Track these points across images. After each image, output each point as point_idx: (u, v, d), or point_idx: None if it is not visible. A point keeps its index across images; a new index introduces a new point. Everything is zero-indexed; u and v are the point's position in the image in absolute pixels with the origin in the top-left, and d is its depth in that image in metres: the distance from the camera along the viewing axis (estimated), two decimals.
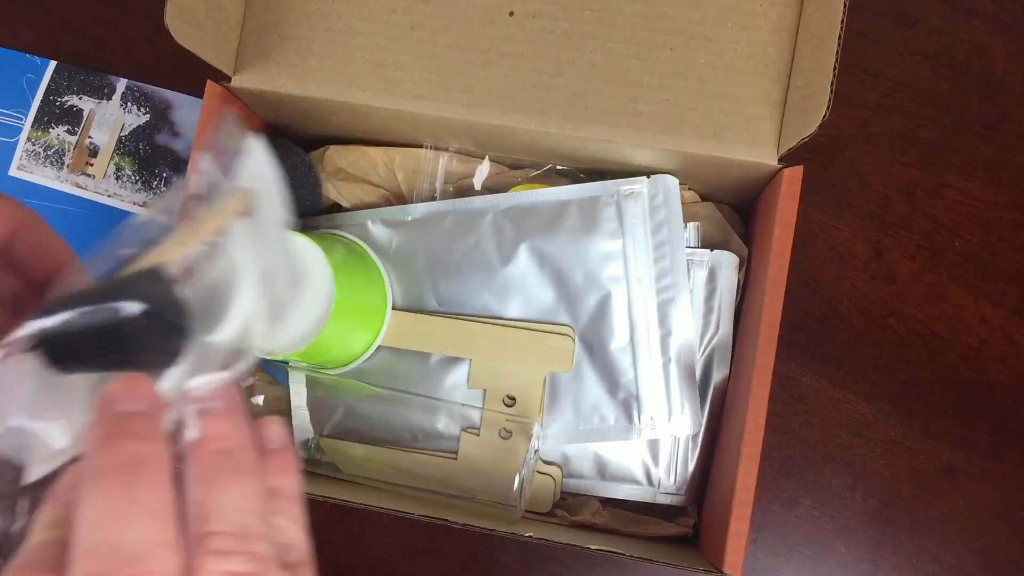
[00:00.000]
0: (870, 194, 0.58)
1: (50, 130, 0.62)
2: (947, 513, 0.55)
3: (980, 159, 0.58)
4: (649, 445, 0.51)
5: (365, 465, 0.50)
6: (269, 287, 0.25)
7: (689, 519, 0.51)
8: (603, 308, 0.49)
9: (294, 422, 0.50)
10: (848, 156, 0.58)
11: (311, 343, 0.45)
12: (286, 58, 0.48)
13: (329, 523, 0.57)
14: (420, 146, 0.53)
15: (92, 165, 0.61)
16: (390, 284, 0.52)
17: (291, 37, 0.48)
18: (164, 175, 0.61)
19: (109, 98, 0.62)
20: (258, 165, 0.26)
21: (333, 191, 0.54)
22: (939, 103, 0.58)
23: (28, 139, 0.62)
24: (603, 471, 0.51)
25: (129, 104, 0.62)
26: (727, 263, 0.50)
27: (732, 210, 0.54)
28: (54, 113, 0.62)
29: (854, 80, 0.58)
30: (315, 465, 0.50)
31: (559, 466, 0.51)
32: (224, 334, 0.24)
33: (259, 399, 0.50)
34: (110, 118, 0.62)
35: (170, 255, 0.24)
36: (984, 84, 0.58)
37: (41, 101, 0.62)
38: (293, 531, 0.23)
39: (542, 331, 0.50)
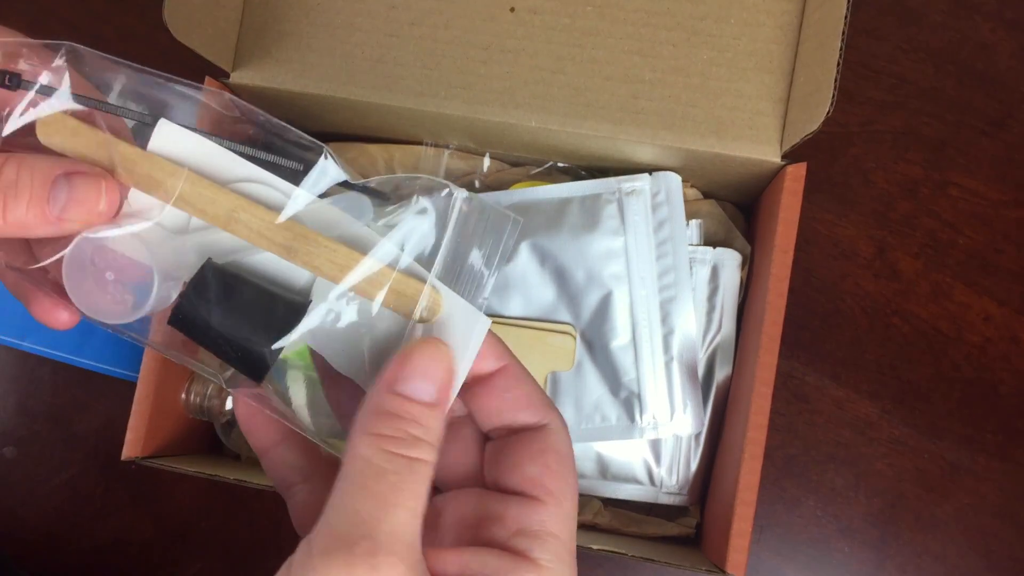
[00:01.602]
0: (873, 191, 0.57)
1: None
2: (951, 513, 0.55)
3: (984, 156, 0.57)
4: (651, 445, 0.50)
5: None
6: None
7: (691, 519, 0.51)
8: (605, 306, 0.49)
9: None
10: (851, 153, 0.58)
11: None
12: (285, 55, 0.48)
13: None
14: (420, 143, 0.53)
15: None
16: None
17: (290, 33, 0.48)
18: None
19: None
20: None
21: None
22: (943, 100, 0.58)
23: None
24: (605, 471, 0.51)
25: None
26: (730, 261, 0.50)
27: (735, 207, 0.54)
28: None
29: (857, 77, 0.58)
30: None
31: None
32: None
33: None
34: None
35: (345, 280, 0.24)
36: (988, 81, 0.58)
37: None
38: None
39: (543, 329, 0.49)
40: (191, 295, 0.24)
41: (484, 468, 0.26)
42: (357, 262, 0.24)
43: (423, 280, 0.24)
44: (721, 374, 0.50)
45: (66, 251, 0.24)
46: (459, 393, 0.25)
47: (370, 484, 0.21)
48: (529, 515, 0.23)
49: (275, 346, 0.24)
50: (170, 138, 0.25)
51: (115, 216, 0.24)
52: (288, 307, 0.24)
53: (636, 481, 0.51)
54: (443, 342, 0.23)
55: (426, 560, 0.22)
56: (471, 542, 0.24)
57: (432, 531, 0.25)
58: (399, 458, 0.21)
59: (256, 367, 0.25)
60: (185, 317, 0.24)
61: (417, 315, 0.24)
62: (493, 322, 0.50)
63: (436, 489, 0.27)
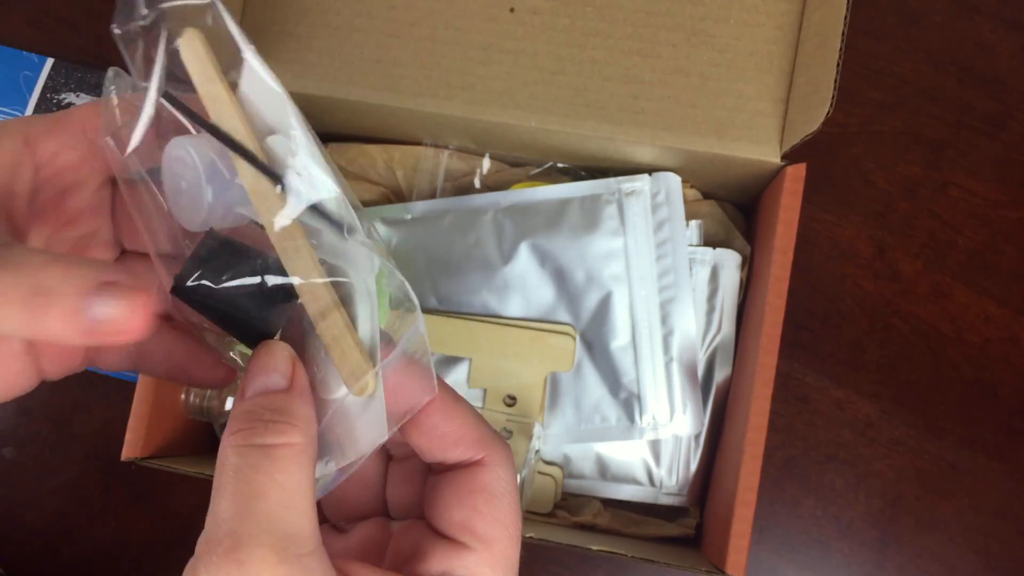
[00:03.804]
0: (873, 192, 0.57)
1: None
2: (951, 513, 0.55)
3: (984, 157, 0.57)
4: (651, 445, 0.50)
5: None
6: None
7: (691, 520, 0.51)
8: (604, 307, 0.49)
9: None
10: (851, 154, 0.58)
11: None
12: (284, 55, 0.48)
13: None
14: (420, 144, 0.53)
15: None
16: None
17: (290, 34, 0.48)
18: None
19: None
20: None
21: None
22: (943, 100, 0.58)
23: None
24: (604, 471, 0.51)
25: None
26: (729, 261, 0.50)
27: (735, 208, 0.54)
28: (51, 110, 0.61)
29: (857, 77, 0.58)
30: None
31: (560, 466, 0.51)
32: None
33: None
34: None
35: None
36: (988, 81, 0.58)
37: (38, 99, 0.62)
38: None
39: (543, 330, 0.49)
40: (192, 264, 0.23)
41: (423, 504, 0.25)
42: (327, 304, 0.23)
43: (371, 361, 0.23)
44: (721, 375, 0.50)
45: (163, 162, 0.24)
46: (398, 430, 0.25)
47: (230, 484, 0.20)
48: (454, 560, 0.23)
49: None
50: (253, 79, 0.25)
51: (147, 330, 0.22)
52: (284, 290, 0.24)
53: (636, 482, 0.51)
54: (274, 342, 0.23)
55: (349, 574, 0.22)
56: (402, 572, 0.23)
57: (379, 555, 0.25)
58: (255, 449, 0.21)
59: (257, 340, 0.24)
60: (186, 288, 0.23)
61: (346, 389, 0.23)
62: (492, 323, 0.50)
63: (390, 517, 0.27)
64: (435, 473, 0.25)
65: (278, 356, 0.23)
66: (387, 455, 0.28)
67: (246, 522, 0.20)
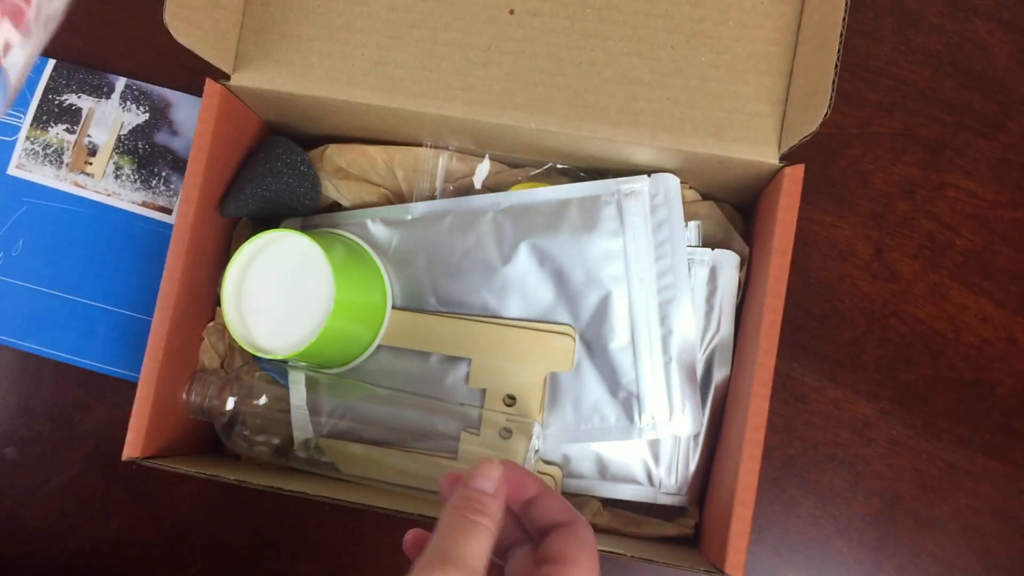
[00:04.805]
0: (871, 193, 0.58)
1: (49, 129, 0.61)
2: (949, 513, 0.55)
3: (982, 158, 0.58)
4: (650, 445, 0.50)
5: (364, 465, 0.50)
6: None
7: (690, 519, 0.51)
8: (604, 307, 0.49)
9: (293, 422, 0.49)
10: (849, 155, 0.58)
11: (310, 342, 0.45)
12: (285, 56, 0.48)
13: (329, 523, 0.57)
14: (420, 145, 0.53)
15: (91, 164, 0.61)
16: (390, 283, 0.52)
17: (290, 35, 0.48)
18: (163, 174, 0.61)
19: (108, 97, 0.62)
20: None
21: (332, 190, 0.54)
22: (941, 102, 0.58)
23: (27, 138, 0.61)
24: (604, 471, 0.51)
25: (128, 103, 0.61)
26: (728, 262, 0.50)
27: (733, 209, 0.54)
28: (53, 112, 0.62)
29: (855, 78, 0.58)
30: (315, 465, 0.50)
31: (559, 466, 0.51)
32: None
33: (260, 400, 0.50)
34: (109, 117, 0.61)
35: None
36: (986, 83, 0.58)
37: (40, 100, 0.62)
38: None
39: (542, 330, 0.49)
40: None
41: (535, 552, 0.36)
42: None
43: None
44: (719, 375, 0.50)
45: None
46: (517, 510, 0.36)
47: (447, 530, 0.32)
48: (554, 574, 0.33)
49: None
50: None
51: None
52: None
53: (635, 481, 0.51)
54: (499, 461, 0.35)
55: None
56: None
57: None
58: (465, 518, 0.32)
59: None
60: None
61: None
62: (492, 323, 0.51)
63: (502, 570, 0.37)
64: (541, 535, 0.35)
65: (495, 472, 0.34)
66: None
67: (453, 553, 0.30)
